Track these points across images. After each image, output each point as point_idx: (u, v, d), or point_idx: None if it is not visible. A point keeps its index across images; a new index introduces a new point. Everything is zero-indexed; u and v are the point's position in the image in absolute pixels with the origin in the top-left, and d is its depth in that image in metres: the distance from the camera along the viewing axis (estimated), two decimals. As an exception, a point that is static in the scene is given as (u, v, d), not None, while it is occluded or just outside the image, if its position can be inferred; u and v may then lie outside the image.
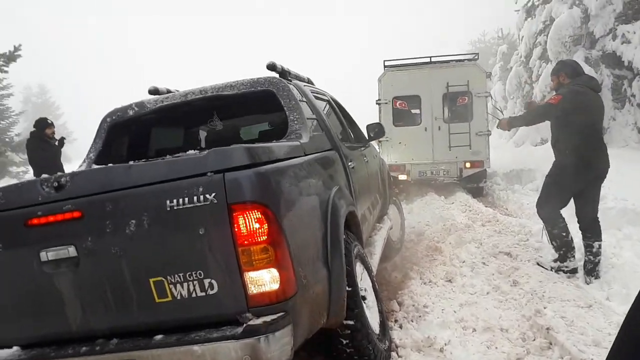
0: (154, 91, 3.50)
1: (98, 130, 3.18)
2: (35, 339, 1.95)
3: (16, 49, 11.31)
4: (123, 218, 1.77)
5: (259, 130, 4.01)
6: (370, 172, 4.39)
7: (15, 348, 1.96)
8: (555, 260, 4.24)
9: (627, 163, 7.63)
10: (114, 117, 3.18)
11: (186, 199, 1.73)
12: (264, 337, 1.66)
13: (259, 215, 1.76)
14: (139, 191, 1.79)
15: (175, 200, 1.73)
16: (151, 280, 1.76)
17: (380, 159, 5.46)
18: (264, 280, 1.77)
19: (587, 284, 3.94)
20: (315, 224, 2.28)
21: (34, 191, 1.85)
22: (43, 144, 7.22)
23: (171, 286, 1.75)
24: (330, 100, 4.06)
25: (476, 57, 10.05)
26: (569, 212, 4.22)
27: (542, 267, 4.29)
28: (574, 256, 4.17)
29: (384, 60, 9.87)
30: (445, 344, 2.88)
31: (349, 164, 3.34)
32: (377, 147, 7.98)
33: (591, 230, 4.08)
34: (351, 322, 2.35)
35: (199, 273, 1.74)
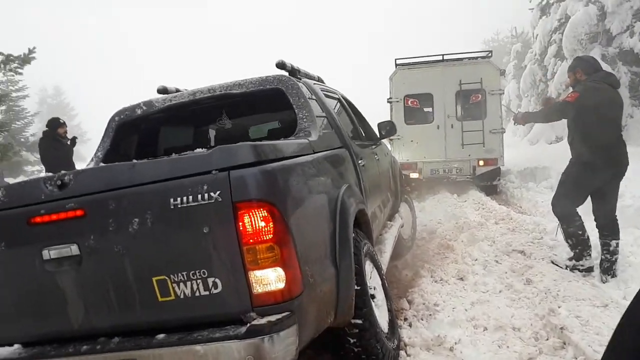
0: (162, 90, 3.50)
1: (106, 129, 3.19)
2: (37, 337, 1.94)
3: (30, 51, 11.45)
4: (126, 216, 1.75)
5: (268, 129, 4.00)
6: (381, 170, 4.35)
7: (16, 346, 1.96)
8: (570, 259, 4.16)
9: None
10: (122, 116, 3.19)
11: (190, 197, 1.70)
12: (268, 337, 1.63)
13: (265, 213, 1.73)
14: (142, 189, 1.77)
15: (179, 199, 1.71)
16: (154, 279, 1.74)
17: (391, 157, 5.42)
18: (269, 279, 1.74)
19: (604, 282, 3.85)
20: (323, 222, 2.25)
21: (37, 189, 1.84)
22: (55, 143, 7.32)
23: (174, 285, 1.73)
24: (341, 98, 4.04)
25: (490, 54, 9.94)
26: (584, 210, 4.14)
27: (557, 265, 4.21)
28: (590, 255, 4.09)
29: (396, 59, 9.81)
30: (456, 343, 2.83)
31: (360, 161, 3.31)
32: (388, 145, 7.93)
33: (609, 228, 3.99)
34: (359, 321, 2.31)
35: (203, 272, 1.71)
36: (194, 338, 1.69)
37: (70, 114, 41.13)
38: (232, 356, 1.63)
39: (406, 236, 5.13)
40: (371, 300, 2.51)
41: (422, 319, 3.25)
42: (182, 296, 1.73)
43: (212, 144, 3.89)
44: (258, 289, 1.72)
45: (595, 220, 4.08)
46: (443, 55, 9.69)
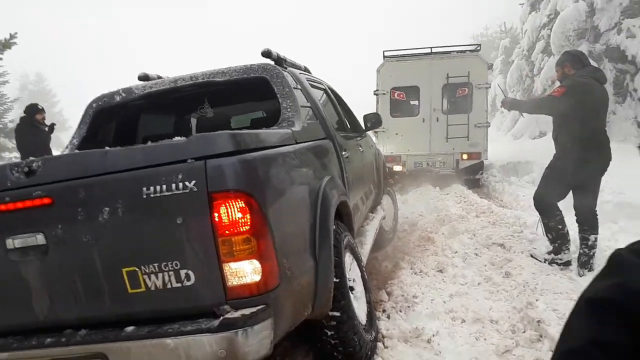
0: (143, 77, 3.42)
1: (83, 116, 3.10)
2: None
3: (12, 36, 11.20)
4: (96, 205, 1.69)
5: (251, 118, 3.94)
6: (365, 162, 4.33)
7: None
8: (549, 253, 4.20)
9: (625, 157, 7.57)
10: (100, 103, 3.11)
11: (164, 187, 1.65)
12: (242, 331, 1.59)
13: (242, 204, 1.69)
14: (114, 177, 1.71)
15: (152, 188, 1.66)
16: (124, 270, 1.69)
17: (376, 149, 5.40)
18: (244, 271, 1.70)
19: (581, 276, 3.90)
20: (303, 214, 2.22)
21: (2, 176, 1.77)
22: (33, 129, 7.16)
23: (145, 276, 1.68)
24: (327, 89, 3.99)
25: (478, 47, 9.93)
26: (564, 205, 4.17)
27: (536, 259, 4.25)
28: (568, 249, 4.14)
29: (384, 51, 9.74)
30: (433, 335, 2.84)
31: (343, 153, 3.28)
32: (373, 138, 7.91)
33: (588, 223, 4.03)
34: (337, 314, 2.30)
35: (175, 263, 1.67)
36: (164, 331, 1.65)
37: (52, 100, 40.28)
38: (203, 350, 1.59)
39: (388, 228, 5.14)
40: (350, 292, 2.50)
41: (400, 311, 3.25)
42: (153, 288, 1.69)
43: (194, 133, 3.82)
44: (233, 281, 1.69)
45: (575, 215, 4.11)
46: (431, 48, 9.66)
